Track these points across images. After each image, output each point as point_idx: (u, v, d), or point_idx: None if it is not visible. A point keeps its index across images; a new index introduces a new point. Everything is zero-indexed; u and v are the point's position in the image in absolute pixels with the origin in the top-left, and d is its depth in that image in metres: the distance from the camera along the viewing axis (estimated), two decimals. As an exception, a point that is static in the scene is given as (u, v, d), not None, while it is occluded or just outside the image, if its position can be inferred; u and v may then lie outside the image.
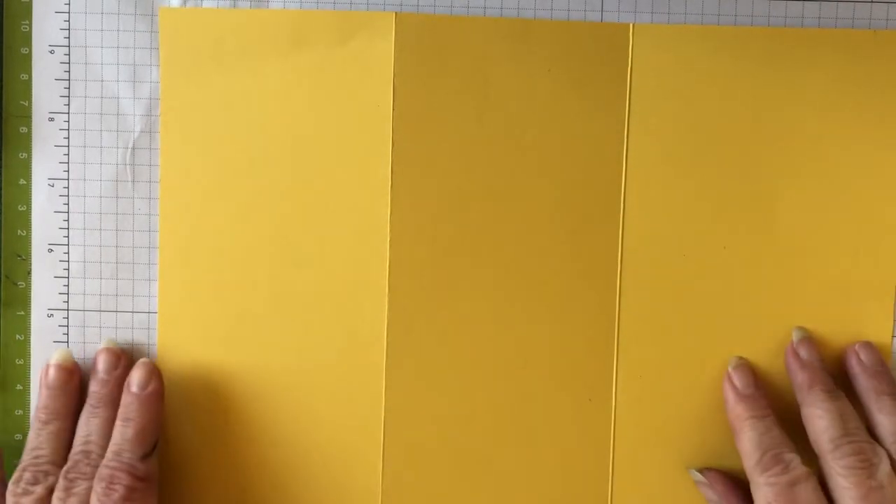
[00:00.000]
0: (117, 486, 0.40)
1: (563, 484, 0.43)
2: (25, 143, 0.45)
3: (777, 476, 0.40)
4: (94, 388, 0.44)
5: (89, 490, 0.40)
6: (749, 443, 0.41)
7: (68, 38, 0.45)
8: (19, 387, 0.46)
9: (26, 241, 0.45)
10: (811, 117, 0.43)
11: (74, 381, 0.44)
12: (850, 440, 0.40)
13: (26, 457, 0.43)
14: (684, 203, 0.43)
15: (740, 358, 0.43)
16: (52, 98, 0.45)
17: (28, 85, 0.45)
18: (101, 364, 0.44)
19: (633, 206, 0.43)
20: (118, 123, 0.45)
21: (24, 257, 0.45)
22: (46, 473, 0.42)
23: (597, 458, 0.44)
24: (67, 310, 0.45)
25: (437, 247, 0.42)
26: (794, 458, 0.40)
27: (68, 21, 0.44)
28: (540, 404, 0.43)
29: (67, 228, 0.45)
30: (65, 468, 0.41)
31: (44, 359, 0.45)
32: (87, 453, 0.42)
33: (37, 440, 0.43)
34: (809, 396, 0.41)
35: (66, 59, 0.45)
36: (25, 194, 0.45)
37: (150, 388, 0.42)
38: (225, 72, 0.43)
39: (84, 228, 0.45)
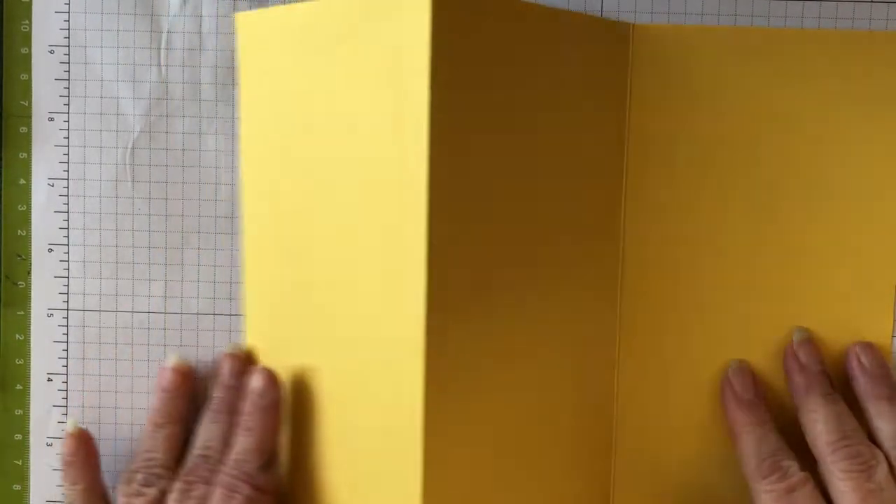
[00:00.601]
0: (237, 496, 0.40)
1: (565, 483, 0.43)
2: (25, 142, 0.45)
3: (775, 483, 0.40)
4: (217, 393, 0.43)
5: (206, 495, 0.40)
6: (747, 449, 0.41)
7: (68, 38, 0.45)
8: (19, 387, 0.46)
9: (26, 241, 0.45)
10: (810, 117, 0.43)
11: (188, 384, 0.44)
12: (847, 443, 0.40)
13: (139, 459, 0.42)
14: (686, 203, 0.43)
15: (740, 362, 0.43)
16: (51, 98, 0.45)
17: (28, 85, 0.45)
18: (226, 369, 0.43)
19: (634, 208, 0.43)
20: (118, 123, 0.45)
21: (24, 257, 0.45)
22: (159, 476, 0.42)
23: (598, 457, 0.44)
24: (67, 310, 0.45)
25: (477, 233, 0.39)
26: (791, 465, 0.40)
27: (68, 21, 0.45)
28: (546, 401, 0.43)
29: (67, 228, 0.45)
30: (184, 471, 0.41)
31: (44, 359, 0.45)
32: (206, 458, 0.42)
33: (151, 443, 0.43)
34: (806, 400, 0.41)
35: (65, 59, 0.45)
36: (25, 194, 0.45)
37: (270, 397, 0.42)
38: (301, 66, 0.41)
39: (84, 228, 0.45)
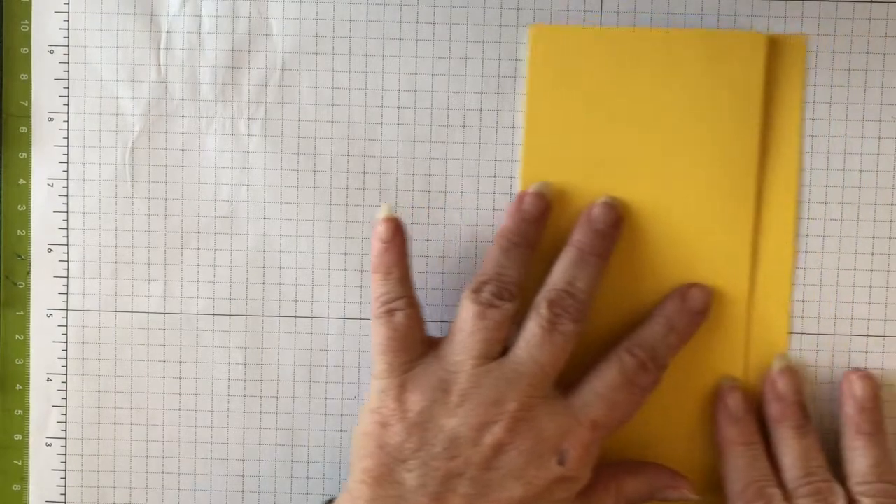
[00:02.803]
0: (649, 376, 0.41)
1: None
2: (25, 142, 0.45)
3: None
4: (579, 236, 0.42)
5: (573, 334, 0.40)
6: (735, 471, 0.41)
7: (68, 37, 0.45)
8: (19, 387, 0.46)
9: (26, 241, 0.45)
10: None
11: (546, 215, 0.43)
12: (809, 480, 0.40)
13: (489, 271, 0.41)
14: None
15: (734, 379, 0.43)
16: (51, 98, 0.45)
17: (28, 85, 0.45)
18: (595, 213, 0.43)
19: None
20: (117, 123, 0.45)
21: (23, 257, 0.45)
22: (512, 295, 0.40)
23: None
24: (67, 310, 0.45)
25: None
26: (775, 494, 0.40)
27: (68, 21, 0.45)
28: None
29: (67, 228, 0.45)
30: (548, 299, 0.40)
31: (43, 359, 0.45)
32: (572, 295, 0.40)
33: (503, 259, 0.41)
34: (779, 431, 0.42)
35: (65, 58, 0.45)
36: (25, 194, 0.45)
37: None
38: (590, 86, 0.43)
39: (83, 228, 0.45)
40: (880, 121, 0.44)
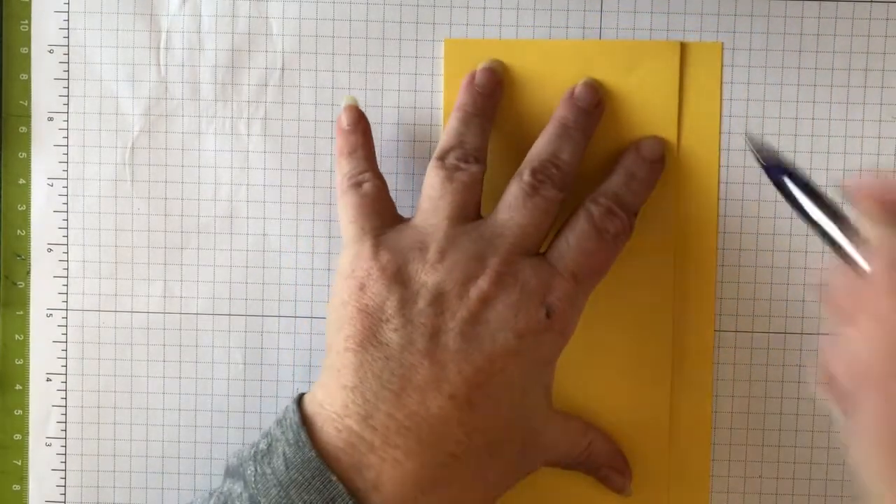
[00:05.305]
0: (618, 220, 0.40)
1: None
2: (25, 142, 0.45)
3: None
4: (564, 111, 0.42)
5: (554, 200, 0.40)
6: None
7: (67, 37, 0.45)
8: (19, 387, 0.46)
9: (26, 241, 0.45)
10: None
11: (500, 88, 0.43)
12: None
13: (450, 140, 0.41)
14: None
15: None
16: (51, 98, 0.45)
17: (27, 85, 0.45)
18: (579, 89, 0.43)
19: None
20: (117, 123, 0.45)
21: (23, 257, 0.45)
22: (476, 159, 0.40)
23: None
24: (66, 310, 0.45)
25: None
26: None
27: (67, 21, 0.45)
28: None
29: (67, 228, 0.45)
30: (532, 167, 0.40)
31: (43, 359, 0.45)
32: (556, 167, 0.40)
33: (462, 128, 0.41)
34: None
35: (65, 58, 0.45)
36: (25, 194, 0.45)
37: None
38: (506, 97, 0.43)
39: (83, 228, 0.45)
40: (880, 121, 0.44)
